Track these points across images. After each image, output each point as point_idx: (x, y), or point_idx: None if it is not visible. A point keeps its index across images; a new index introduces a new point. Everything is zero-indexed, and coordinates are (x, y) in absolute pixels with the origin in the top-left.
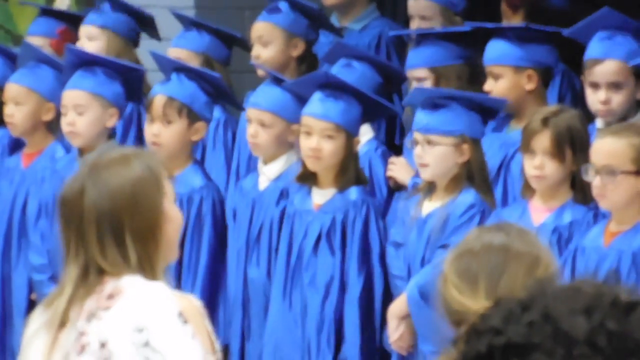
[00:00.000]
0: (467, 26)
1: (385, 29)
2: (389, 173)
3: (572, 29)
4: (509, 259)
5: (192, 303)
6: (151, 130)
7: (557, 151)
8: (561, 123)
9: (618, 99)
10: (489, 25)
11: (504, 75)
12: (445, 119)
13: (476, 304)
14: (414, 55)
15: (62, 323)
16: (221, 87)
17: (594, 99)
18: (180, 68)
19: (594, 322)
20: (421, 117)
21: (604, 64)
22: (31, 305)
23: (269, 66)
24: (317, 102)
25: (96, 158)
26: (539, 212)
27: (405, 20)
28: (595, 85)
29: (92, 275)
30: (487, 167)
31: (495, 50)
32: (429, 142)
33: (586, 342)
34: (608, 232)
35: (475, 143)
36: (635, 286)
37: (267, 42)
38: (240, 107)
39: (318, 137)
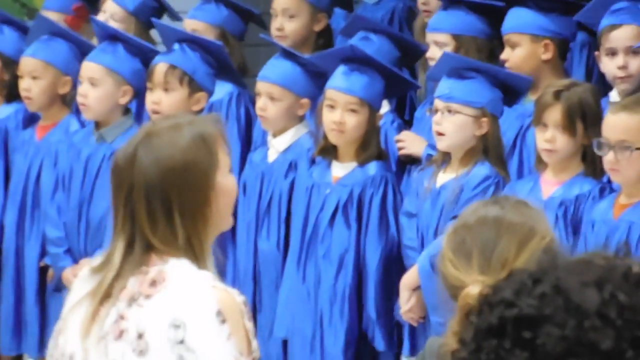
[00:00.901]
0: (499, 2)
1: (399, 4)
2: (402, 151)
3: (580, 13)
4: (502, 232)
5: (234, 299)
6: (151, 98)
7: (569, 125)
8: (573, 97)
9: (636, 64)
10: None
11: (521, 44)
12: (470, 89)
13: (470, 277)
14: (439, 18)
15: (105, 296)
16: (223, 58)
17: (612, 65)
18: (183, 39)
19: (605, 294)
20: (445, 85)
21: (621, 28)
22: (42, 274)
23: (292, 39)
24: (341, 75)
25: (150, 124)
26: (549, 185)
27: None
28: (612, 52)
29: (138, 250)
30: (502, 144)
31: (515, 18)
32: (450, 111)
33: (597, 314)
34: (618, 205)
35: (494, 119)
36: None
37: (293, 15)
38: (240, 82)
39: (342, 111)
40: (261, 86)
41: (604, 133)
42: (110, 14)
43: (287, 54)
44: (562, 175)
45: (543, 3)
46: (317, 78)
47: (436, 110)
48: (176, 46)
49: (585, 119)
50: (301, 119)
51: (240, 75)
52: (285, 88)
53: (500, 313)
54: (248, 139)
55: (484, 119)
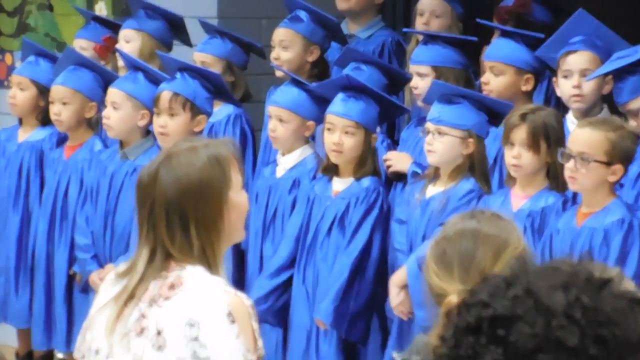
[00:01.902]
0: (473, 37)
1: (388, 38)
2: (390, 169)
3: (552, 37)
4: (478, 243)
5: (243, 302)
6: (158, 122)
7: (533, 143)
8: (537, 119)
9: (588, 86)
10: (508, 28)
11: (506, 73)
12: (457, 113)
13: (451, 286)
14: (420, 52)
15: (130, 297)
16: (220, 85)
17: (567, 86)
18: (184, 67)
19: (570, 297)
20: (435, 110)
21: (576, 53)
22: (70, 280)
23: (286, 67)
24: (339, 102)
25: (172, 146)
26: (518, 199)
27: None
28: (567, 74)
29: (159, 258)
30: (487, 162)
31: (505, 49)
32: (439, 132)
33: (564, 314)
34: (580, 214)
35: (480, 140)
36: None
37: (287, 47)
38: (237, 104)
39: (340, 133)
40: (272, 110)
41: (568, 144)
42: (124, 37)
43: (295, 82)
44: (529, 189)
45: (530, 40)
46: (322, 103)
47: (428, 132)
48: (178, 75)
49: (548, 138)
50: (307, 140)
51: (245, 100)
52: (293, 111)
53: (477, 313)
54: (243, 154)
55: (470, 140)
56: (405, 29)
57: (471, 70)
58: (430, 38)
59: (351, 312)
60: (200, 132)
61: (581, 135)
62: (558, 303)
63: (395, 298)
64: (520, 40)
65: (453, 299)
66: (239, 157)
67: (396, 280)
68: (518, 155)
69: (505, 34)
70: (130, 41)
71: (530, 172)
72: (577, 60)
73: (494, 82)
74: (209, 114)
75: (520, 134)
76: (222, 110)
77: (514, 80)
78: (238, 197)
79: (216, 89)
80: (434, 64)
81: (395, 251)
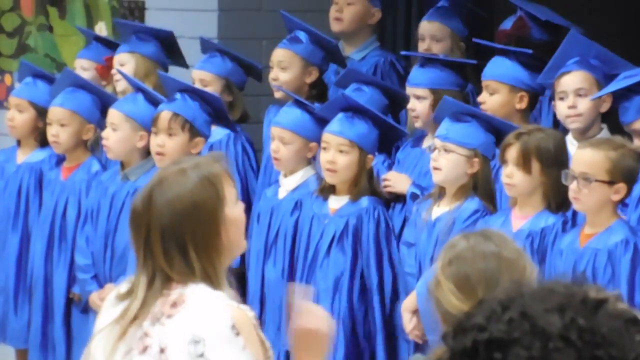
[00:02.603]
0: (471, 60)
1: (380, 59)
2: (387, 189)
3: (541, 76)
4: (502, 268)
5: (246, 314)
6: (156, 141)
7: (524, 162)
8: (531, 139)
9: (584, 105)
10: (500, 46)
11: (500, 92)
12: (465, 132)
13: None
14: (417, 74)
15: (132, 321)
16: (219, 107)
17: (563, 107)
18: (184, 89)
19: (566, 319)
20: (443, 127)
21: (570, 74)
22: (69, 301)
23: (285, 88)
24: (336, 121)
25: (162, 170)
26: (518, 219)
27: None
28: (563, 95)
29: (158, 282)
30: (492, 182)
31: (498, 67)
32: (445, 149)
33: (560, 337)
34: (583, 235)
35: (485, 160)
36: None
37: (285, 67)
38: (233, 129)
39: (334, 151)
40: (274, 131)
41: (571, 165)
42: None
43: (298, 103)
44: (527, 210)
45: (524, 59)
46: (325, 125)
47: (434, 149)
48: (178, 95)
49: (541, 159)
50: (310, 161)
51: (243, 121)
52: (295, 133)
53: (474, 337)
54: (245, 172)
55: (476, 159)
56: (403, 52)
57: (472, 91)
58: (427, 60)
59: (367, 338)
60: (198, 154)
61: (582, 156)
62: (554, 325)
63: (409, 324)
64: (514, 59)
65: None
66: (229, 169)
67: (407, 305)
68: (510, 174)
69: (499, 53)
70: (124, 64)
71: (524, 192)
72: (571, 81)
73: (489, 101)
74: (206, 137)
75: (512, 153)
76: (220, 130)
77: (508, 98)
78: (234, 212)
79: (215, 112)
80: (431, 87)
81: (405, 275)
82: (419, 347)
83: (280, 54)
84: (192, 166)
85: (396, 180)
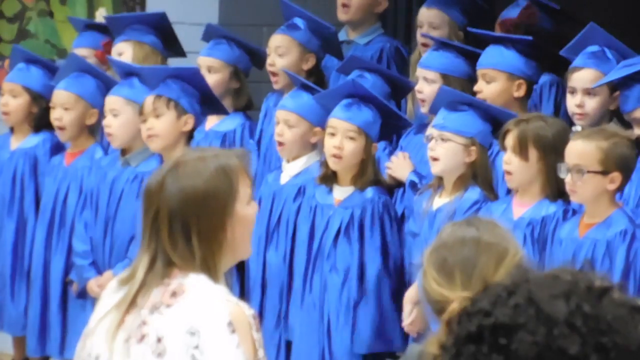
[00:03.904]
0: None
1: (386, 44)
2: (388, 172)
3: (565, 49)
4: (480, 251)
5: (244, 312)
6: (145, 126)
7: (520, 149)
8: (529, 127)
9: (591, 104)
10: (497, 34)
11: (498, 80)
12: (462, 121)
13: (454, 293)
14: (431, 57)
15: (131, 306)
16: (203, 86)
17: (572, 103)
18: (168, 75)
19: (571, 305)
20: (440, 116)
21: (581, 71)
22: (65, 287)
23: (281, 74)
24: (343, 107)
25: (180, 155)
26: (519, 207)
27: (405, 37)
28: (572, 91)
29: (159, 265)
30: (491, 170)
31: (495, 56)
32: (442, 138)
33: (565, 323)
34: (582, 225)
35: (483, 149)
36: (609, 273)
37: (283, 53)
38: (224, 112)
39: (341, 137)
40: (280, 114)
41: (565, 158)
42: (116, 52)
43: (304, 87)
44: (527, 198)
45: (521, 47)
46: (330, 110)
47: (431, 138)
48: (162, 82)
49: (538, 146)
50: (314, 147)
51: (248, 108)
52: (301, 116)
53: (479, 321)
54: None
55: (473, 148)
56: (423, 34)
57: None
58: (442, 45)
59: (383, 328)
60: (190, 131)
61: (574, 148)
62: (559, 312)
63: (407, 317)
64: (511, 47)
65: (456, 305)
66: (249, 169)
67: (409, 296)
68: (508, 161)
69: (496, 41)
70: (122, 53)
71: (522, 180)
72: (581, 78)
73: (487, 89)
74: (196, 114)
75: (510, 139)
76: (228, 120)
77: (506, 86)
78: (244, 210)
79: (202, 94)
80: (444, 72)
81: (411, 266)
82: (419, 338)
83: (277, 40)
84: (212, 155)
85: (397, 166)
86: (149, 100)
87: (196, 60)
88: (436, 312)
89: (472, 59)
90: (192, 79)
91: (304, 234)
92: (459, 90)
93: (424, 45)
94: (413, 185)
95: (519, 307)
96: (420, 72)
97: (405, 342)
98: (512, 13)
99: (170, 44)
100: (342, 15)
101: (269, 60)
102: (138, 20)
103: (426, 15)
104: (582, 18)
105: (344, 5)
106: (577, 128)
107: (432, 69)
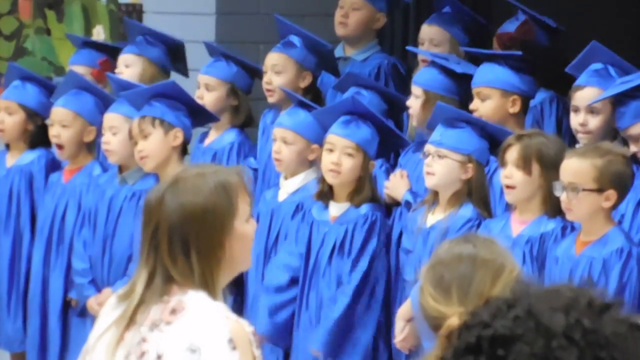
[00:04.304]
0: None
1: (384, 61)
2: (386, 191)
3: (569, 66)
4: (477, 267)
5: (244, 329)
6: (136, 149)
7: (524, 163)
8: (532, 142)
9: (595, 123)
10: (486, 51)
11: (492, 97)
12: (458, 137)
13: (450, 309)
14: (419, 73)
15: (130, 322)
16: (191, 102)
17: (575, 121)
18: (154, 94)
19: (571, 319)
20: (437, 132)
21: (584, 90)
22: (66, 305)
23: (279, 92)
24: (341, 123)
25: (181, 171)
26: (517, 224)
27: (402, 53)
28: (576, 109)
29: (158, 281)
30: (487, 188)
31: (489, 73)
32: (439, 155)
33: (564, 335)
34: (579, 242)
35: (480, 166)
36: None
37: (279, 71)
38: (215, 119)
39: (339, 153)
40: (277, 132)
41: (560, 176)
42: (124, 62)
43: (302, 104)
44: (527, 215)
45: (513, 62)
46: (328, 127)
47: (428, 154)
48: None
49: (541, 162)
50: (311, 164)
51: (248, 125)
52: (298, 133)
53: (478, 333)
54: None
55: (470, 165)
56: (409, 48)
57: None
58: (432, 63)
59: (350, 342)
60: (181, 145)
61: (569, 166)
62: (558, 324)
63: (399, 333)
64: (503, 63)
65: (453, 321)
66: (249, 186)
67: (402, 313)
68: (510, 175)
69: (487, 58)
70: (130, 66)
71: (523, 195)
72: (584, 97)
73: (482, 107)
74: (185, 127)
75: (512, 153)
76: (224, 137)
77: (501, 103)
78: (243, 228)
79: (188, 105)
80: (426, 88)
81: (404, 282)
82: (411, 356)
83: (274, 58)
84: (211, 172)
85: (395, 186)
86: (135, 122)
87: (194, 77)
88: (433, 328)
89: (462, 77)
90: (172, 93)
91: (301, 250)
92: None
93: (424, 61)
94: (408, 204)
95: (518, 319)
96: (412, 87)
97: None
98: (509, 27)
99: (177, 65)
100: (340, 31)
101: (265, 79)
102: (154, 34)
103: (427, 32)
104: (581, 35)
105: (342, 23)
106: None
107: (416, 84)
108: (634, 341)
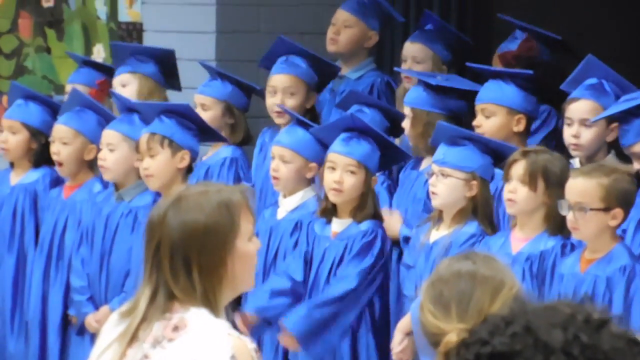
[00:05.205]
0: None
1: (377, 79)
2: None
3: (564, 83)
4: (476, 284)
5: (246, 346)
6: (142, 165)
7: (529, 179)
8: (538, 158)
9: (587, 136)
10: (497, 69)
11: (497, 114)
12: (461, 156)
13: (450, 326)
14: (409, 92)
15: (132, 339)
16: (201, 122)
17: (568, 133)
18: (163, 110)
19: (569, 334)
20: (440, 151)
21: (578, 102)
22: (65, 322)
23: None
24: (342, 141)
25: (183, 189)
26: (518, 241)
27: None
28: (569, 122)
29: (161, 298)
30: (491, 205)
31: (496, 91)
32: (443, 174)
33: (562, 351)
34: (583, 260)
35: (484, 182)
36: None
37: (294, 93)
38: (223, 140)
39: (341, 172)
40: (275, 150)
41: (566, 195)
42: (120, 83)
43: (300, 123)
44: (528, 232)
45: (520, 81)
46: (326, 145)
47: (432, 174)
48: (158, 117)
49: (546, 179)
50: (310, 182)
51: (246, 143)
52: (296, 152)
53: (476, 350)
54: None
55: (474, 182)
56: (396, 68)
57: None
58: (418, 81)
59: (325, 337)
60: (187, 167)
61: (575, 186)
62: (556, 340)
63: (397, 345)
64: (510, 81)
65: (452, 337)
66: (252, 205)
67: (402, 326)
68: (514, 190)
69: (494, 76)
70: (126, 85)
71: (526, 210)
72: (578, 109)
73: (486, 124)
74: (191, 149)
75: (518, 168)
76: (219, 153)
77: (506, 121)
78: (245, 247)
79: (198, 126)
80: (412, 106)
81: (404, 297)
82: None
83: (286, 80)
84: (215, 190)
85: (389, 226)
86: (144, 138)
87: (192, 95)
88: (432, 344)
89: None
90: (185, 113)
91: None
92: (424, 123)
93: (407, 79)
94: (407, 239)
95: (516, 335)
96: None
97: None
98: (510, 46)
99: (170, 77)
100: (330, 48)
101: (276, 100)
102: (144, 51)
103: (410, 49)
104: (581, 50)
105: (333, 40)
106: (575, 160)
107: (405, 104)
108: (632, 356)
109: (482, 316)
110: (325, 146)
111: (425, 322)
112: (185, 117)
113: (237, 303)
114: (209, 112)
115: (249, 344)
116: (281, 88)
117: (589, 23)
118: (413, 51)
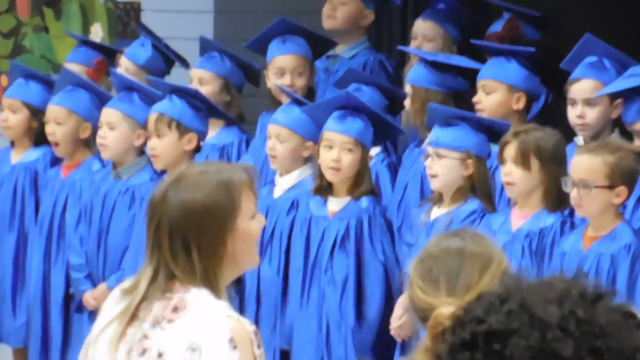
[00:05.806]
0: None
1: (369, 58)
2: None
3: (563, 62)
4: (465, 260)
5: (245, 328)
6: (149, 144)
7: (522, 160)
8: (529, 137)
9: (592, 115)
10: (499, 46)
11: (498, 91)
12: (455, 135)
13: (438, 301)
14: (409, 72)
15: (132, 318)
16: (208, 103)
17: (572, 114)
18: (173, 90)
19: (565, 310)
20: (434, 133)
21: (580, 82)
22: (67, 299)
23: (300, 94)
24: (337, 119)
25: (184, 168)
26: (518, 219)
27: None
28: (573, 102)
29: (162, 278)
30: (489, 182)
31: (498, 67)
32: (438, 155)
33: (558, 327)
34: (586, 237)
35: (480, 160)
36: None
37: (302, 73)
38: (233, 121)
39: (338, 150)
40: (271, 129)
41: (570, 172)
42: (125, 68)
43: (296, 101)
44: (527, 209)
45: (521, 59)
46: (320, 123)
47: (428, 156)
48: (167, 97)
49: (540, 156)
50: (306, 161)
51: (238, 122)
52: (292, 130)
53: (472, 329)
54: None
55: (470, 161)
56: (400, 47)
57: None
58: (420, 58)
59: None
60: (193, 150)
61: (580, 163)
62: (552, 316)
63: (397, 320)
64: (512, 59)
65: (443, 310)
66: (255, 184)
67: (402, 301)
68: (509, 172)
69: (497, 54)
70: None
71: (524, 190)
72: (580, 89)
73: (486, 100)
74: (200, 132)
75: (510, 150)
76: (228, 133)
77: (506, 98)
78: (247, 226)
79: (207, 107)
80: (412, 83)
81: (405, 275)
82: (406, 347)
83: (293, 60)
84: (214, 169)
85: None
86: (152, 118)
87: (193, 68)
88: (421, 320)
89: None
90: (195, 96)
91: (299, 246)
92: (424, 100)
93: (416, 58)
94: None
95: (512, 313)
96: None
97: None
98: (497, 27)
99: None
100: (327, 24)
101: (285, 81)
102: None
103: (421, 27)
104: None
105: (329, 16)
106: (579, 139)
107: (406, 82)
108: (629, 329)
109: (470, 291)
110: (319, 124)
111: (414, 297)
112: (196, 98)
113: (238, 283)
114: (206, 87)
115: (248, 326)
116: (290, 68)
117: (573, 1)
118: (424, 29)
